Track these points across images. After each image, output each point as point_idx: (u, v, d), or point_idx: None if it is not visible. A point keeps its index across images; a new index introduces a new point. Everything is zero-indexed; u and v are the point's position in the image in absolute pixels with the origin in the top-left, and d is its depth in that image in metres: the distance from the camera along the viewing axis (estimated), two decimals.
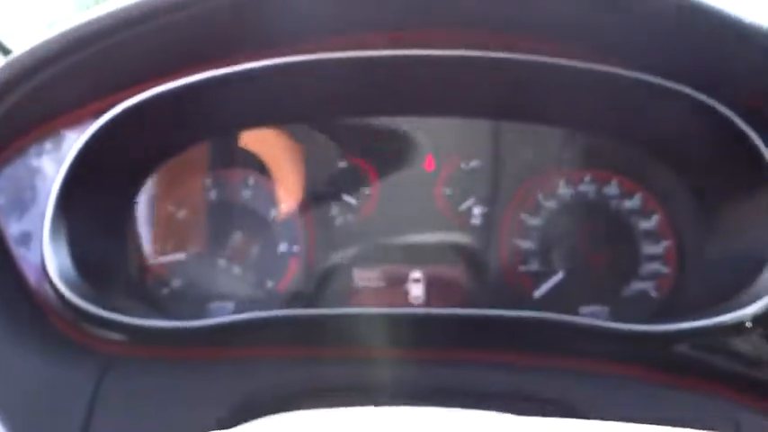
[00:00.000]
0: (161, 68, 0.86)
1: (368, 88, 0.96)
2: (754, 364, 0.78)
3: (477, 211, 1.03)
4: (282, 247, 1.03)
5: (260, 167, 1.04)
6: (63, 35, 0.79)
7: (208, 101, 0.92)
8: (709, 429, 0.51)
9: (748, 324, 0.76)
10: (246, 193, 1.04)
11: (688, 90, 0.84)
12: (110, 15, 0.77)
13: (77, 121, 0.89)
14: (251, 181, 1.04)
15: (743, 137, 0.82)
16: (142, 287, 1.00)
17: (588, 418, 0.75)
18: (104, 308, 0.81)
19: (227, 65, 0.87)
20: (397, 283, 1.01)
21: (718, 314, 0.77)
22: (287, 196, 1.04)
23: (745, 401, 0.77)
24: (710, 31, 0.77)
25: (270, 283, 1.02)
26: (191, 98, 0.89)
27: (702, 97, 0.84)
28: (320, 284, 1.02)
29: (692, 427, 0.50)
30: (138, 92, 0.86)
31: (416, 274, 1.01)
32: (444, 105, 1.01)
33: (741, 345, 0.79)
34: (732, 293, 0.80)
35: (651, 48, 0.83)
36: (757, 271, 0.79)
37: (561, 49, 0.86)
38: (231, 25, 0.84)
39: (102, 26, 0.78)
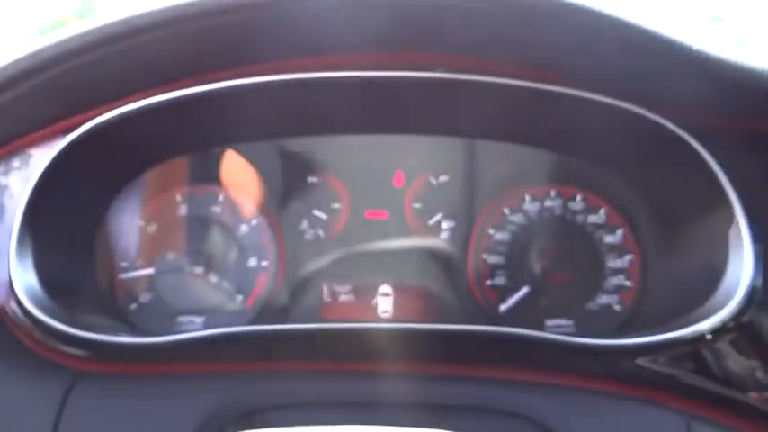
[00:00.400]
0: (128, 89, 0.87)
1: (348, 108, 0.97)
2: (710, 375, 0.80)
3: (445, 225, 1.05)
4: (252, 262, 1.03)
5: (230, 183, 1.05)
6: (33, 54, 0.80)
7: (177, 119, 0.93)
8: None
9: (708, 336, 0.78)
10: (216, 209, 1.04)
11: (647, 112, 0.86)
12: (78, 37, 0.78)
13: (45, 140, 0.90)
14: (221, 197, 1.04)
15: (698, 159, 0.84)
16: (111, 302, 1.00)
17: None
18: (71, 324, 0.81)
19: (195, 84, 0.88)
20: (366, 298, 1.02)
21: (678, 328, 0.79)
22: (257, 212, 1.04)
23: (697, 410, 0.79)
24: (663, 56, 0.79)
25: (239, 298, 1.02)
26: (157, 117, 0.89)
27: (660, 120, 0.86)
28: (290, 299, 1.02)
29: None
30: (105, 111, 0.87)
31: (386, 288, 1.02)
32: (424, 125, 1.02)
33: (700, 357, 0.80)
34: (691, 307, 0.82)
35: (613, 73, 0.86)
36: (714, 285, 0.81)
37: (537, 75, 0.88)
38: (202, 47, 0.85)
39: (69, 48, 0.79)
